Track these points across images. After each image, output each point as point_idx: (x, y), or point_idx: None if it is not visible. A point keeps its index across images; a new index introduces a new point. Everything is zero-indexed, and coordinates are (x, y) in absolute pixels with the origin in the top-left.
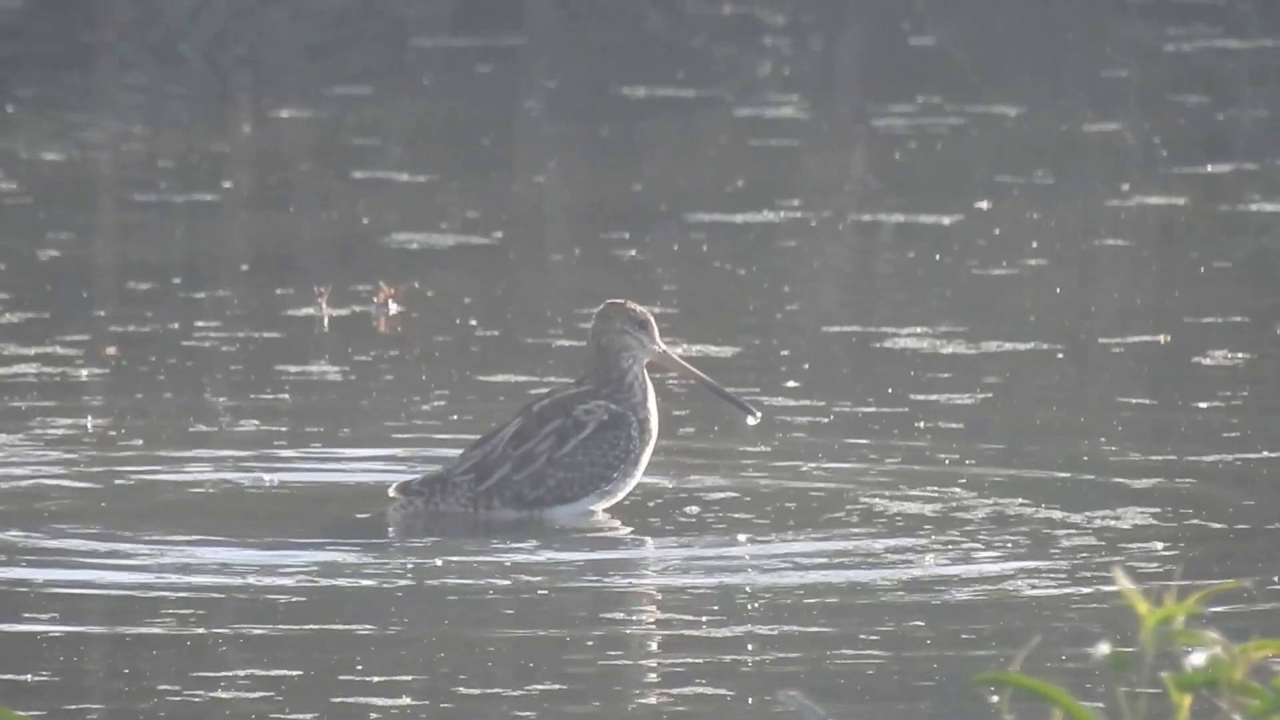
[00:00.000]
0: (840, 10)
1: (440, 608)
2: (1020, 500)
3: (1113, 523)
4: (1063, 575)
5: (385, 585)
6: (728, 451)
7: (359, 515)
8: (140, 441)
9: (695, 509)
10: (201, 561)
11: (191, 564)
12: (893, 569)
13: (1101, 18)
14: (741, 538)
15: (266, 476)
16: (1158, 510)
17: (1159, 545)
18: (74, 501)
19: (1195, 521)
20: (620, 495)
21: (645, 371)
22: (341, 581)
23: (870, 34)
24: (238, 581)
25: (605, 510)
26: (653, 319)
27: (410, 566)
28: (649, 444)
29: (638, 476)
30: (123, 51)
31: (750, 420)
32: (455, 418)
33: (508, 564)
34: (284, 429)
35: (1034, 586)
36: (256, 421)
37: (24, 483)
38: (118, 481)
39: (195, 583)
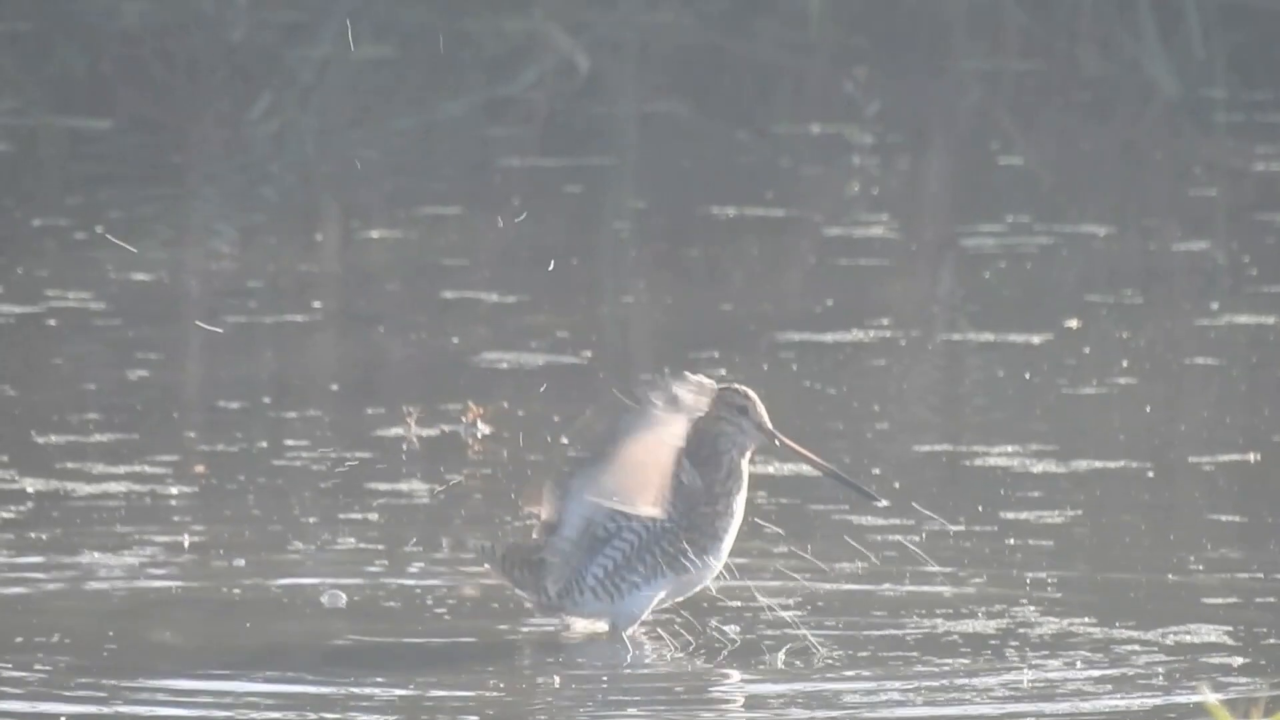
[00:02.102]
0: (928, 130)
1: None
2: (1107, 617)
3: (1188, 638)
4: (1142, 690)
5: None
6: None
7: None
8: (242, 561)
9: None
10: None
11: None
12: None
13: (1188, 137)
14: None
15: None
16: (1238, 629)
17: (1238, 661)
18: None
19: (1274, 641)
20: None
21: (745, 462)
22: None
23: (958, 154)
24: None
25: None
26: (756, 402)
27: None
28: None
29: (714, 565)
30: (210, 172)
31: (879, 504)
32: None
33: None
34: (378, 547)
35: (1125, 700)
36: (353, 539)
37: (121, 604)
38: (223, 596)
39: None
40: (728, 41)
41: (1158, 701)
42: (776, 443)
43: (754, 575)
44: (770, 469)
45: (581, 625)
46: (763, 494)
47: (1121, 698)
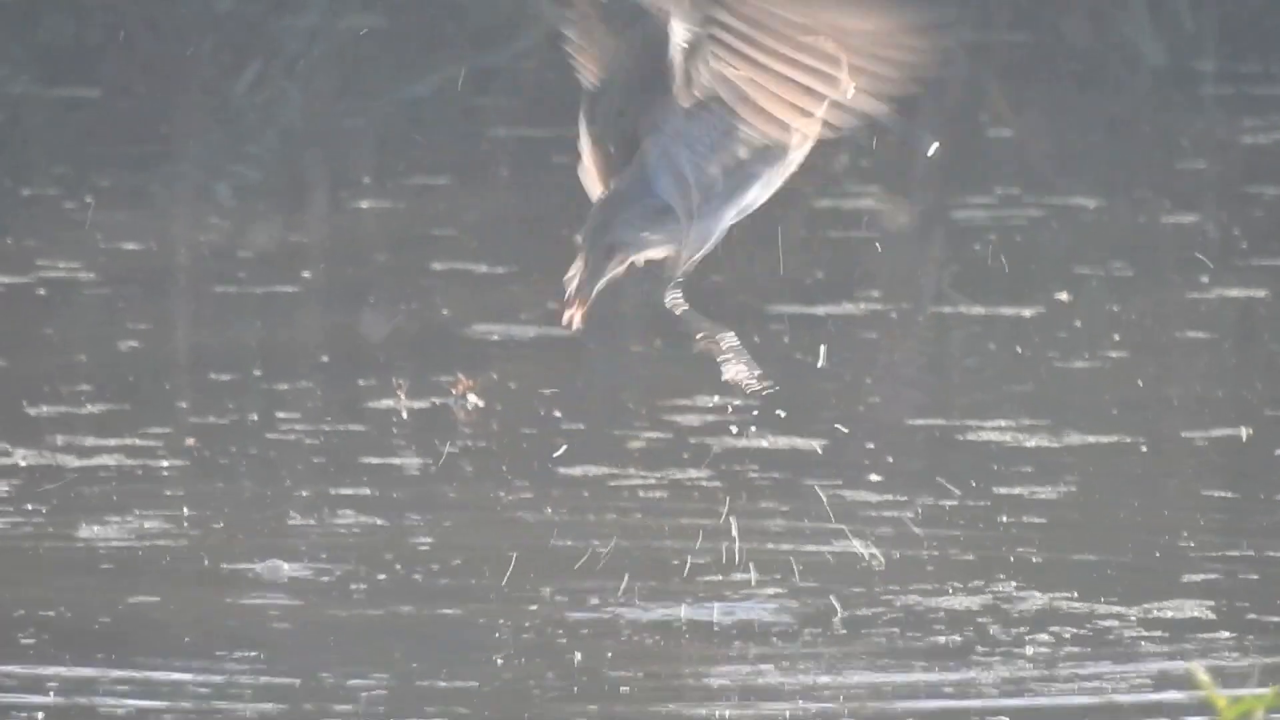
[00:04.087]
0: (917, 102)
1: None
2: (1092, 592)
3: (1175, 614)
4: (1129, 662)
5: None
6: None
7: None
8: (235, 535)
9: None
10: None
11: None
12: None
13: (1177, 109)
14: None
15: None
16: (1226, 604)
17: (1224, 635)
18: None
19: (1264, 616)
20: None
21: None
22: None
23: (947, 126)
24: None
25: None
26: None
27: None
28: None
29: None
30: (198, 142)
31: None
32: (545, 510)
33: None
34: (372, 522)
35: (1112, 670)
36: (352, 511)
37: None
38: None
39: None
40: None
41: (1146, 674)
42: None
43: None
44: (764, 443)
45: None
46: (755, 468)
47: (1109, 668)
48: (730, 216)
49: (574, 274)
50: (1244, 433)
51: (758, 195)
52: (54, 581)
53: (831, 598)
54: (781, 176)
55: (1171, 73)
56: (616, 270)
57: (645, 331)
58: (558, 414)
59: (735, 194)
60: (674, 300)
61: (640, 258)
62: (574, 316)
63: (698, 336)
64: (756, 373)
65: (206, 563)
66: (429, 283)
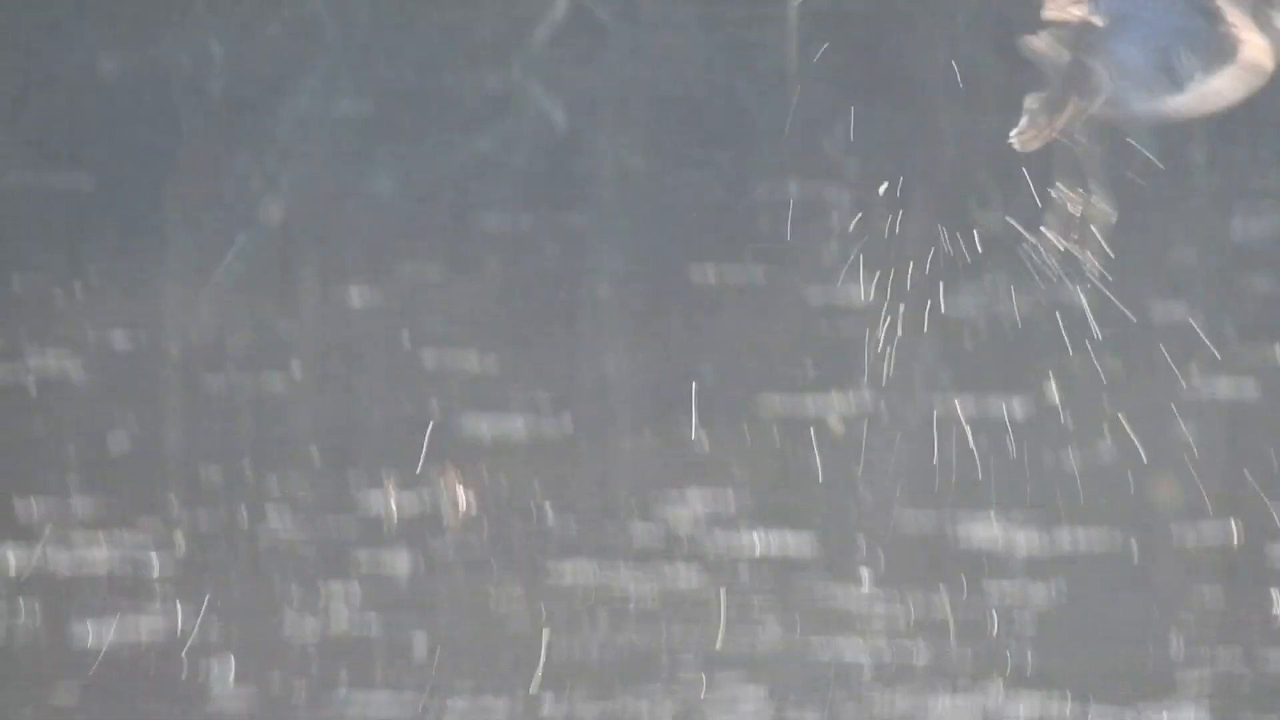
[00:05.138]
0: (909, 192)
1: None
2: (1085, 694)
3: (1167, 716)
4: None
5: None
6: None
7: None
8: (224, 633)
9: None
10: None
11: None
12: None
13: (1168, 201)
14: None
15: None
16: (1218, 707)
17: None
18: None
19: (1260, 716)
20: None
21: None
22: None
23: (938, 216)
24: None
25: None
26: None
27: None
28: None
29: None
30: (189, 230)
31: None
32: (535, 606)
33: None
34: (359, 617)
35: None
36: (342, 606)
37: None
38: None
39: None
40: (707, 98)
41: None
42: None
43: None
44: (755, 538)
45: None
46: (745, 563)
47: None
48: (1177, 107)
49: (1035, 102)
50: (1234, 529)
51: (1206, 103)
52: (43, 681)
53: (821, 698)
54: (1224, 100)
55: (1162, 161)
56: (1072, 114)
57: (636, 425)
58: (548, 508)
59: (1200, 92)
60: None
61: (1098, 106)
62: (1028, 140)
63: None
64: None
65: (197, 660)
66: (419, 376)
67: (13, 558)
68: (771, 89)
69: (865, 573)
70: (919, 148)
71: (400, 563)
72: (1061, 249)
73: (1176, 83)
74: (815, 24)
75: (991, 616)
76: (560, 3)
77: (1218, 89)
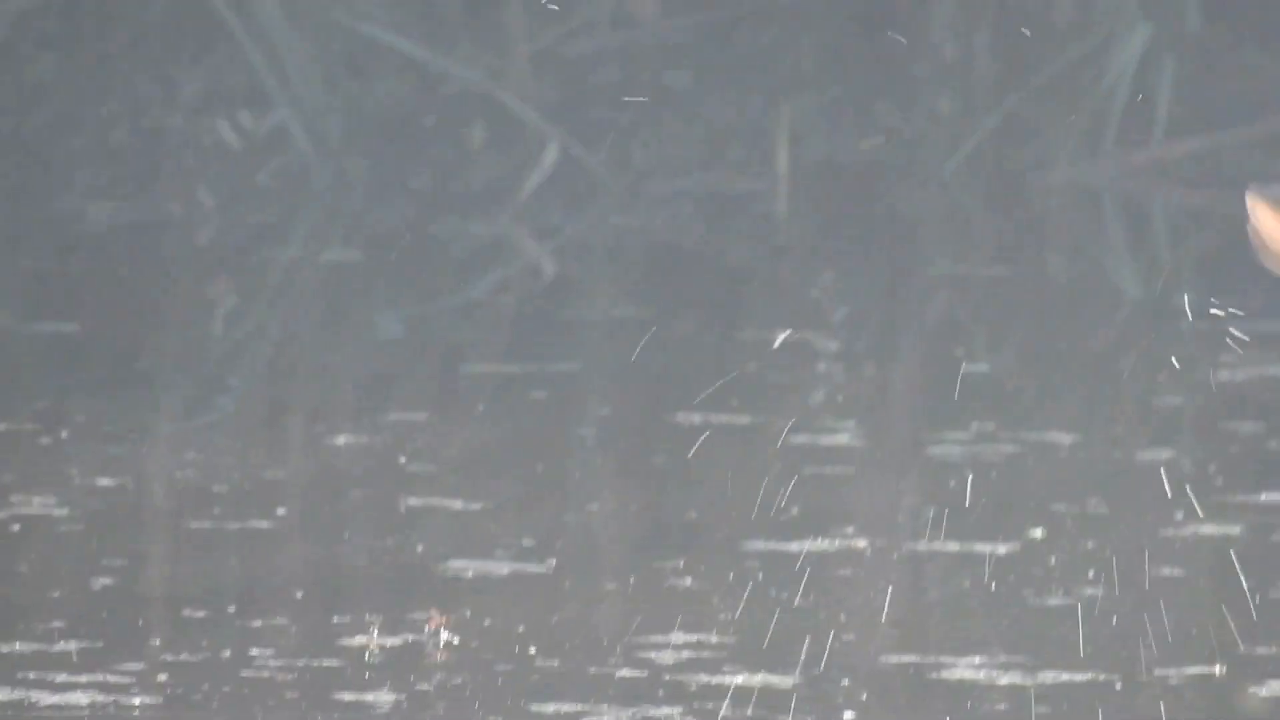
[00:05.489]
0: (893, 337)
1: None
2: None
3: None
4: None
5: None
6: None
7: None
8: None
9: None
10: None
11: None
12: None
13: (1154, 345)
14: None
15: None
16: None
17: None
18: None
19: None
20: None
21: None
22: None
23: (924, 360)
24: None
25: None
26: None
27: None
28: None
29: None
30: (177, 375)
31: None
32: None
33: None
34: None
35: None
36: None
37: None
38: None
39: None
40: (696, 245)
41: None
42: None
43: None
44: (739, 680)
45: None
46: (729, 706)
47: None
48: None
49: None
50: (1218, 671)
51: None
52: None
53: None
54: None
55: (1149, 307)
56: None
57: (619, 567)
58: (532, 650)
59: None
60: None
61: None
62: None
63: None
64: None
65: None
66: (404, 518)
67: None
68: (761, 237)
69: (848, 715)
70: (909, 294)
71: (384, 703)
72: None
73: None
74: (806, 175)
75: None
76: (550, 151)
77: None
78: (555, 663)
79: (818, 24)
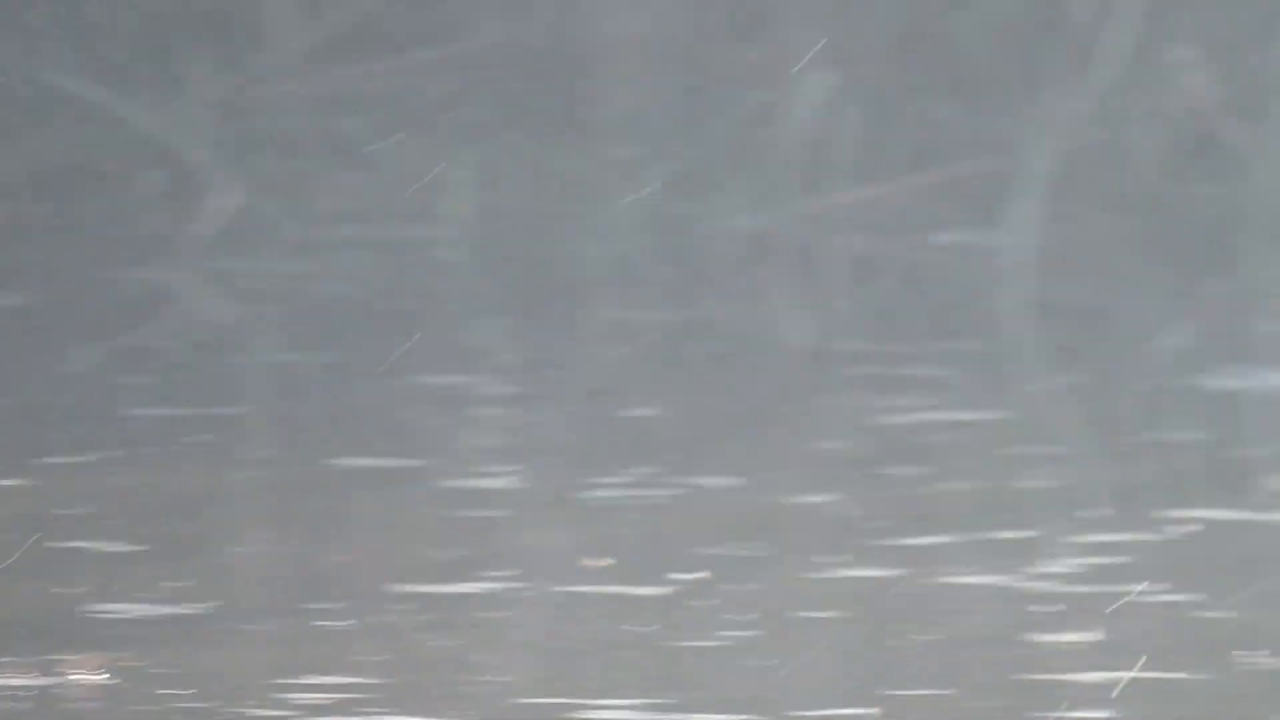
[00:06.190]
0: (560, 382)
1: None
2: None
3: None
4: None
5: None
6: None
7: None
8: None
9: None
10: None
11: None
12: None
13: (813, 390)
14: None
15: None
16: None
17: None
18: None
19: None
20: None
21: None
22: None
23: (588, 405)
24: None
25: None
26: None
27: None
28: None
29: None
30: None
31: None
32: None
33: None
34: None
35: None
36: None
37: None
38: None
39: None
40: (368, 293)
41: None
42: None
43: None
44: None
45: None
46: None
47: None
48: None
49: None
50: (876, 713)
51: None
52: None
53: None
54: None
55: (815, 353)
56: None
57: (271, 613)
58: (186, 691)
59: None
60: None
61: None
62: None
63: None
64: None
65: None
66: (54, 561)
67: None
68: (434, 283)
69: None
70: (577, 340)
71: None
72: None
73: None
74: (483, 221)
75: None
76: (226, 196)
77: None
78: (205, 706)
79: (498, 72)
